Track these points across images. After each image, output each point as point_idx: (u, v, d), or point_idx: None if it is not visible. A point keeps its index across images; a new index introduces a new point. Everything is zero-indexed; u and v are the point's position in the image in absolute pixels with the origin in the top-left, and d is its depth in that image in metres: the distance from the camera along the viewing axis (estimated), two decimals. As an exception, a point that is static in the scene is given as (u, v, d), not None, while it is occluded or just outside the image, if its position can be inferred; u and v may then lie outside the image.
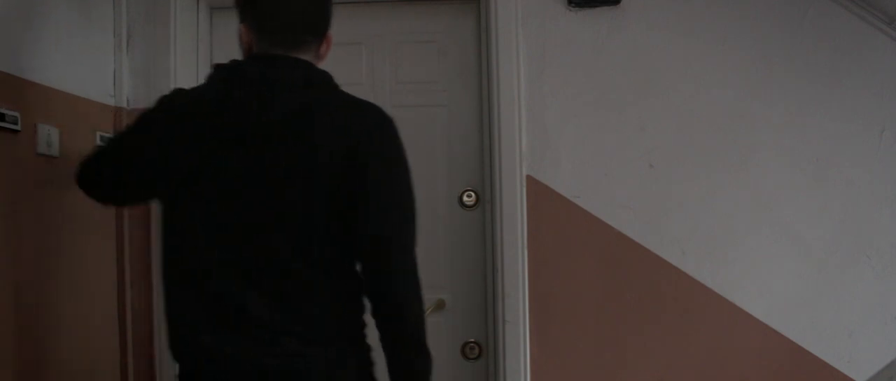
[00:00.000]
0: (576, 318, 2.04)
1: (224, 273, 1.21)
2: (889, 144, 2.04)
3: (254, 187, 1.21)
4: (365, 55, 2.18)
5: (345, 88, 1.31)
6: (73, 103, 1.86)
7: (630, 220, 2.04)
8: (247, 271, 1.21)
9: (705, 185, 2.04)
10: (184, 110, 1.27)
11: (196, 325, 1.23)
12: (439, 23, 2.18)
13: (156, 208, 2.05)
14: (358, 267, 1.27)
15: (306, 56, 1.28)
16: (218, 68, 1.29)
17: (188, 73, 2.14)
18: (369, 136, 1.23)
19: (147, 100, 2.06)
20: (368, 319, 1.28)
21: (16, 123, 1.59)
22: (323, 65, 1.32)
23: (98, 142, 1.96)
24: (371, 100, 1.33)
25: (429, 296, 1.34)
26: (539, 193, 2.04)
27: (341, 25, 1.35)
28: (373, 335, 1.28)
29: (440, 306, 2.10)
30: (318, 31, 1.30)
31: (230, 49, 2.23)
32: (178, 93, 1.34)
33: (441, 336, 2.07)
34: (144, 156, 1.29)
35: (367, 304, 1.26)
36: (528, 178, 2.04)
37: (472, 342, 2.13)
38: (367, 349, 1.30)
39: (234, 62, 1.29)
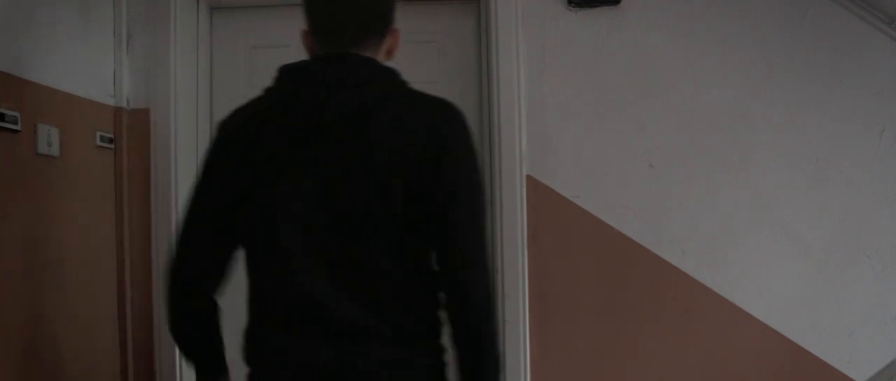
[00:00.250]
0: (576, 318, 2.04)
1: (304, 273, 1.20)
2: (889, 144, 2.04)
3: (321, 186, 1.20)
4: (365, 55, 2.17)
5: None
6: (73, 103, 1.86)
7: (630, 220, 2.04)
8: (326, 270, 1.20)
9: (705, 185, 2.04)
10: (249, 121, 1.26)
11: (276, 324, 1.22)
12: (439, 23, 2.18)
13: (155, 207, 2.07)
14: (431, 265, 1.27)
15: (367, 54, 1.26)
16: (284, 70, 1.27)
17: (188, 73, 2.14)
18: (439, 131, 1.21)
19: (147, 100, 2.09)
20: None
21: (16, 123, 1.59)
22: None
23: (98, 142, 1.96)
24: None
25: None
26: (539, 193, 2.04)
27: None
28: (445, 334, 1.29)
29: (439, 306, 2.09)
30: (373, 29, 1.27)
31: (230, 49, 2.26)
32: (237, 112, 1.31)
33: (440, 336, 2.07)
34: (231, 194, 1.24)
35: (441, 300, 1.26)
36: (528, 178, 2.04)
37: (441, 344, 2.12)
38: (443, 349, 1.30)
39: (299, 62, 1.28)
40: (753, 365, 2.02)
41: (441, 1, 2.17)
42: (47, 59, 1.76)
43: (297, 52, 2.11)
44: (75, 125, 1.85)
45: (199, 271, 1.25)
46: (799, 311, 2.03)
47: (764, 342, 2.02)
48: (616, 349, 2.04)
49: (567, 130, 2.06)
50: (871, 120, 2.04)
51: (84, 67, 1.93)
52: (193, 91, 2.16)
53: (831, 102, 2.04)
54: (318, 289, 1.20)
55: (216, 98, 2.22)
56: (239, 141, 1.24)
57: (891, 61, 2.04)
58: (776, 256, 2.03)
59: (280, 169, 1.21)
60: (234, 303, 1.31)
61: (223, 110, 2.19)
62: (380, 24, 1.28)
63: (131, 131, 2.08)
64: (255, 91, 2.28)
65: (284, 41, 2.22)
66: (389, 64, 1.29)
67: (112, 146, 2.04)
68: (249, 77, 2.21)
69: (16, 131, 1.60)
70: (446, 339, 1.27)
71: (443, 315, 1.27)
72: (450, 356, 1.28)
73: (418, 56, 2.16)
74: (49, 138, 1.72)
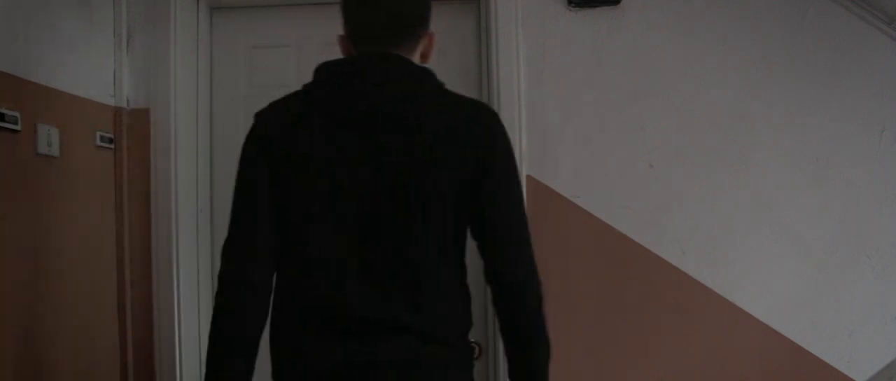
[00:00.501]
0: (576, 318, 2.04)
1: (340, 267, 1.21)
2: (889, 144, 2.04)
3: (368, 180, 1.21)
4: (365, 55, 2.17)
5: None
6: (73, 103, 1.86)
7: (630, 220, 2.04)
8: (366, 268, 1.21)
9: (705, 185, 2.04)
10: (289, 115, 1.25)
11: (307, 321, 1.22)
12: (439, 23, 2.14)
13: (155, 207, 2.07)
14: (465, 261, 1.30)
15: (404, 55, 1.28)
16: (325, 66, 1.27)
17: (188, 73, 2.14)
18: (487, 128, 1.26)
19: (147, 100, 2.09)
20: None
21: (16, 123, 1.59)
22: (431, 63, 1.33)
23: (98, 142, 1.96)
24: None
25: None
26: (539, 193, 2.04)
27: (341, 25, 1.35)
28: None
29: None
30: (409, 31, 1.28)
31: (230, 49, 2.26)
32: (276, 105, 1.30)
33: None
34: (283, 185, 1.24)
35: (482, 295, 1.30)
36: (528, 178, 2.04)
37: (472, 343, 2.12)
38: (472, 349, 1.34)
39: (340, 59, 1.29)
40: (753, 365, 2.02)
41: (441, 1, 2.16)
42: (47, 59, 1.76)
43: (296, 52, 2.13)
44: (75, 125, 1.85)
45: (257, 251, 1.23)
46: (799, 311, 2.03)
47: (764, 342, 2.02)
48: (616, 348, 2.04)
49: (567, 130, 2.06)
50: (871, 120, 2.04)
51: (84, 66, 1.93)
52: (193, 91, 2.16)
53: (831, 102, 2.04)
54: (355, 287, 1.20)
55: (216, 98, 2.22)
56: (279, 135, 1.24)
57: (891, 61, 2.04)
58: (776, 256, 2.03)
59: (323, 164, 1.21)
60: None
61: (223, 110, 2.23)
62: (416, 26, 1.30)
63: (131, 131, 2.08)
64: (255, 91, 2.29)
65: (284, 41, 2.22)
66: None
67: (112, 146, 2.04)
68: (249, 77, 2.21)
69: (16, 131, 1.60)
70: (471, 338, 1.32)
71: (473, 309, 1.32)
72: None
73: (418, 56, 2.16)
74: (49, 138, 1.72)
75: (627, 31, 2.06)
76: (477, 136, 1.24)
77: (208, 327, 1.25)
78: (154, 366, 2.05)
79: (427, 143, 1.21)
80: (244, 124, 1.32)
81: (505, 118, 2.02)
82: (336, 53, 1.34)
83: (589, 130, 2.06)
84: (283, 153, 1.22)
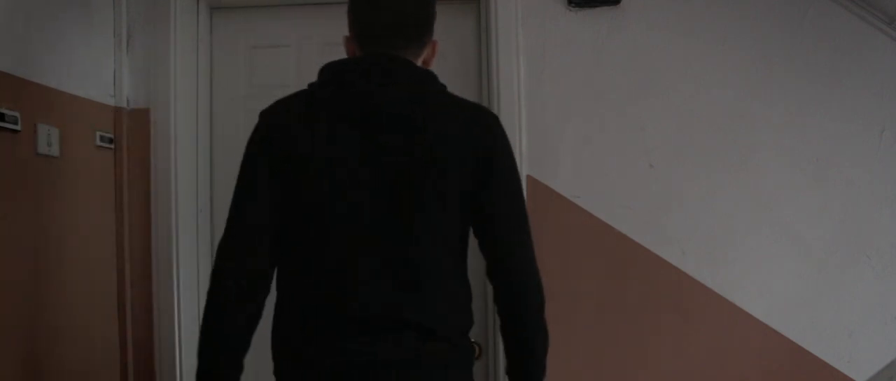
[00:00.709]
0: (576, 318, 2.04)
1: (340, 267, 1.21)
2: (889, 144, 2.04)
3: (373, 179, 1.21)
4: (365, 55, 2.17)
5: None
6: (73, 103, 1.86)
7: (630, 220, 2.04)
8: (374, 266, 1.21)
9: (705, 185, 2.04)
10: (293, 114, 1.26)
11: (307, 321, 1.22)
12: (439, 23, 2.16)
13: (155, 207, 2.07)
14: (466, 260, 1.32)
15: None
16: (329, 66, 1.28)
17: (188, 73, 2.14)
18: (489, 130, 1.28)
19: (147, 100, 2.09)
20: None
21: (16, 123, 1.60)
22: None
23: (98, 142, 1.96)
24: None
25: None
26: (539, 193, 2.04)
27: (341, 25, 1.35)
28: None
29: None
30: (415, 37, 1.30)
31: (230, 49, 2.26)
32: (281, 104, 1.29)
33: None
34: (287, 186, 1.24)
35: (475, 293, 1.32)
36: (528, 178, 2.04)
37: (472, 343, 2.12)
38: (473, 348, 1.35)
39: (345, 59, 1.30)
40: (753, 365, 2.02)
41: (441, 1, 2.16)
42: (47, 59, 1.76)
43: (296, 52, 2.14)
44: (75, 125, 1.85)
45: (254, 254, 1.22)
46: (799, 311, 2.03)
47: (764, 342, 2.02)
48: (616, 349, 2.04)
49: (567, 130, 2.06)
50: (871, 120, 2.04)
51: (84, 67, 1.93)
52: (193, 91, 2.16)
53: (831, 102, 2.04)
54: (355, 287, 1.20)
55: (216, 98, 2.22)
56: (281, 135, 1.24)
57: (891, 61, 2.04)
58: (776, 256, 2.03)
59: (324, 164, 1.21)
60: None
61: (223, 110, 2.23)
62: (421, 32, 1.32)
63: (131, 131, 2.08)
64: (255, 91, 2.29)
65: (284, 41, 2.22)
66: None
67: (112, 146, 2.04)
68: (249, 77, 2.21)
69: (16, 131, 1.60)
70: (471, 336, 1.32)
71: (473, 309, 1.33)
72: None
73: (418, 56, 2.16)
74: (49, 138, 1.72)
75: (627, 31, 2.06)
76: (477, 137, 1.25)
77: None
78: (154, 366, 2.05)
79: (427, 143, 1.21)
80: (244, 124, 1.33)
81: (505, 118, 2.04)
82: (336, 53, 1.34)
83: (589, 130, 2.06)
84: (284, 153, 1.23)
